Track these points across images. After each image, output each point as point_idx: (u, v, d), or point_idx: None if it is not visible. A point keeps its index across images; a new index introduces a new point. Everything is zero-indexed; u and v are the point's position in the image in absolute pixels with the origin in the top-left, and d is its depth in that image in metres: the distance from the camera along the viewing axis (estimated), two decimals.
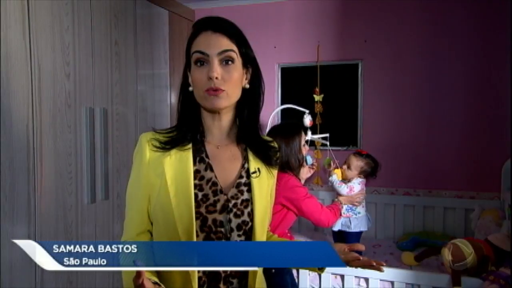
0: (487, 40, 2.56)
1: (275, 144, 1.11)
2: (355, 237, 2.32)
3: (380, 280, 1.95)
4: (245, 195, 0.99)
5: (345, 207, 2.26)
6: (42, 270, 1.70)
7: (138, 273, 0.75)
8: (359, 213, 2.30)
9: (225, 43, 0.93)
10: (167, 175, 0.94)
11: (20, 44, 1.62)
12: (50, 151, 1.77)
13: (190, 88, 0.97)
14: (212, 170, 0.98)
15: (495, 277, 1.70)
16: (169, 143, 0.96)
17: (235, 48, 0.94)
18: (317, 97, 2.91)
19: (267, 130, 2.47)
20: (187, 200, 0.93)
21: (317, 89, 2.91)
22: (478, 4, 2.57)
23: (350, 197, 2.25)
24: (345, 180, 2.35)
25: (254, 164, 1.02)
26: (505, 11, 2.51)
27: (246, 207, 0.98)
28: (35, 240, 1.72)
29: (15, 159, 1.62)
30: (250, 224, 0.98)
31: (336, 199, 2.25)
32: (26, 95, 1.66)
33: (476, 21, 2.58)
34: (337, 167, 2.39)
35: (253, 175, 1.00)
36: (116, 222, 2.17)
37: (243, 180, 1.00)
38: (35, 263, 1.70)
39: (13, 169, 1.61)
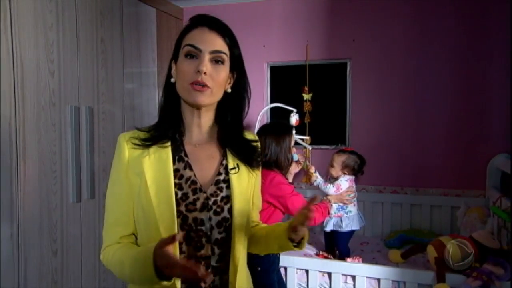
0: (474, 39, 2.59)
1: (259, 145, 1.10)
2: (347, 236, 2.32)
3: (367, 277, 1.96)
4: (225, 192, 0.99)
5: (336, 206, 2.26)
6: (26, 269, 1.68)
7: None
8: (350, 212, 2.29)
9: (219, 44, 0.94)
10: (147, 175, 0.93)
11: (2, 42, 1.60)
12: (34, 150, 1.75)
13: (172, 80, 0.97)
14: (191, 169, 0.98)
15: (478, 273, 1.72)
16: (149, 140, 0.96)
17: (227, 50, 0.95)
18: (306, 96, 2.92)
19: (256, 128, 2.47)
20: (168, 199, 0.92)
21: (306, 88, 2.92)
22: (465, 4, 2.60)
23: (339, 195, 2.25)
24: (332, 179, 2.35)
25: (232, 160, 1.02)
26: (492, 11, 2.54)
27: (226, 203, 0.98)
28: (18, 240, 1.70)
29: None
30: (230, 220, 0.98)
31: (324, 198, 2.25)
32: (9, 93, 1.63)
33: (463, 21, 2.61)
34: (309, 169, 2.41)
35: (232, 171, 1.00)
36: (102, 221, 2.15)
37: (222, 177, 1.00)
38: (19, 263, 1.69)
39: None
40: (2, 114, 1.61)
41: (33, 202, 1.75)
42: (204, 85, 0.91)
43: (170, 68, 1.00)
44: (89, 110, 2.03)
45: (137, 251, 0.90)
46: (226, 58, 0.94)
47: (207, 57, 0.92)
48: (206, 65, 0.91)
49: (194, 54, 0.92)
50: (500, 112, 2.54)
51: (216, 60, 0.93)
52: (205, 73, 0.91)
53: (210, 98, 0.94)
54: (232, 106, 1.01)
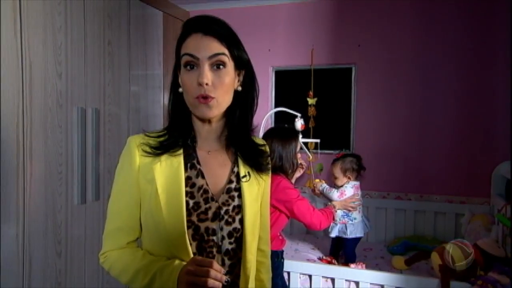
0: (480, 46, 2.59)
1: (267, 149, 1.09)
2: (352, 243, 2.33)
3: (370, 283, 1.96)
4: (236, 201, 0.97)
5: (340, 213, 2.26)
6: (30, 270, 1.68)
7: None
8: (355, 219, 2.29)
9: (216, 47, 0.89)
10: (158, 182, 0.91)
11: (11, 43, 1.61)
12: (40, 151, 1.75)
13: (180, 89, 0.95)
14: (203, 177, 0.96)
15: (483, 281, 1.70)
16: (160, 148, 0.94)
17: (226, 51, 0.91)
18: (311, 101, 2.91)
19: (261, 132, 2.47)
20: (178, 208, 0.90)
21: (311, 93, 2.92)
22: (471, 11, 2.60)
23: (344, 201, 2.25)
24: (338, 187, 2.35)
25: (244, 168, 1.00)
26: (498, 20, 2.54)
27: (237, 213, 0.96)
28: (23, 241, 1.71)
29: (4, 159, 1.60)
30: (241, 231, 0.96)
31: (329, 204, 2.25)
32: (17, 94, 1.64)
33: (469, 27, 2.61)
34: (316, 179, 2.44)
35: (243, 179, 0.99)
36: None
37: (233, 185, 0.98)
38: (23, 264, 1.69)
39: (2, 168, 1.59)
40: (8, 115, 1.62)
41: (39, 203, 1.75)
42: (208, 97, 0.89)
43: (175, 77, 0.97)
44: (95, 112, 2.04)
45: (161, 264, 0.89)
46: (226, 59, 0.90)
47: (206, 65, 0.88)
48: (207, 76, 0.88)
49: (193, 64, 0.89)
50: (506, 119, 2.54)
51: (217, 65, 0.90)
52: (207, 84, 0.88)
53: (217, 108, 0.91)
54: (240, 105, 0.98)
